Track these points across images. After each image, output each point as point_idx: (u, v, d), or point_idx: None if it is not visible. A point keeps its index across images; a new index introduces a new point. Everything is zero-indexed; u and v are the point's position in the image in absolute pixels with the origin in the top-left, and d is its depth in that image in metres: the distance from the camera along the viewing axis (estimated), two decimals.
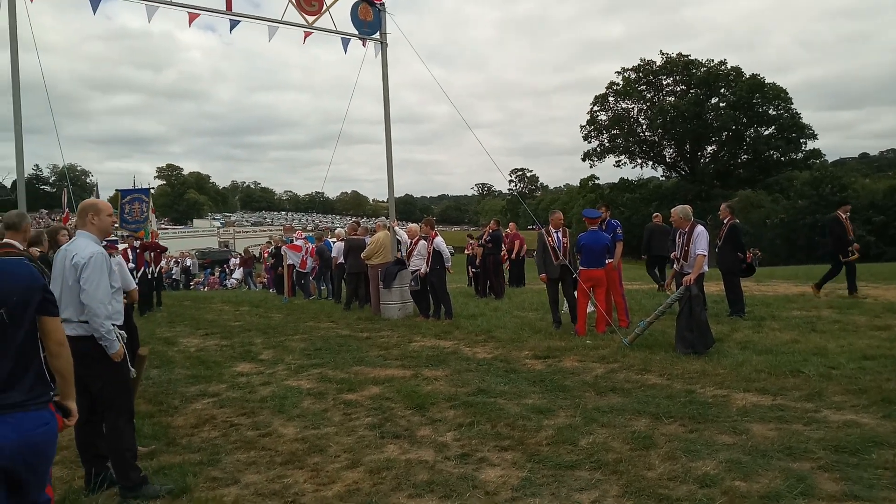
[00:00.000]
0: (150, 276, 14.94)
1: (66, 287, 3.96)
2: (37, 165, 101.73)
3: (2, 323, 2.40)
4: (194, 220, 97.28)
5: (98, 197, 14.65)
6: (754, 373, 6.25)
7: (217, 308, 15.28)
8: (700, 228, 7.93)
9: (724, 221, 10.15)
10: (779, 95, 56.78)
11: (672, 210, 8.45)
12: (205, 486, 4.20)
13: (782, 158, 58.67)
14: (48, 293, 2.54)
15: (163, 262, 20.23)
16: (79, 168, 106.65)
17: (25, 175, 9.71)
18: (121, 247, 14.07)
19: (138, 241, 14.71)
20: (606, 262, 9.14)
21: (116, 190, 16.53)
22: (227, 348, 9.25)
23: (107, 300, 3.97)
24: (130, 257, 13.69)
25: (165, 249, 17.99)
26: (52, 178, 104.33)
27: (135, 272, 13.64)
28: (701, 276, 7.74)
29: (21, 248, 4.86)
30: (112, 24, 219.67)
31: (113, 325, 3.99)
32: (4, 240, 4.92)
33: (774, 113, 57.56)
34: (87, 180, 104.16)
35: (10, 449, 2.36)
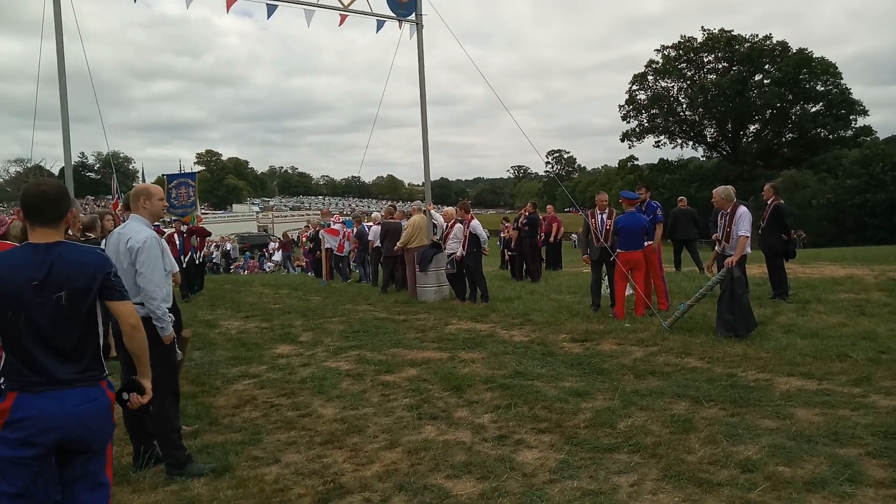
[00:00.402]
0: (196, 261, 15.11)
1: (121, 269, 4.05)
2: (82, 153, 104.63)
3: (61, 306, 2.50)
4: (234, 205, 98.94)
5: (144, 182, 14.90)
6: (799, 357, 6.10)
7: (257, 291, 15.55)
8: (742, 209, 7.75)
9: (768, 202, 9.89)
10: (827, 70, 54.71)
11: (713, 191, 8.27)
12: (246, 464, 4.29)
13: (830, 136, 56.68)
14: (111, 279, 2.62)
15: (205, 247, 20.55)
16: (122, 155, 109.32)
17: (72, 163, 9.99)
18: (166, 231, 14.37)
19: (185, 226, 14.64)
20: (646, 244, 9.01)
21: (162, 175, 16.40)
22: (268, 330, 9.42)
23: (162, 283, 4.08)
24: (177, 242, 13.79)
25: (210, 234, 18.13)
26: (97, 166, 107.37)
27: (182, 256, 13.77)
28: (743, 259, 7.57)
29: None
30: (152, 11, 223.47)
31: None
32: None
33: (822, 89, 55.53)
34: (130, 167, 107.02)
35: (56, 423, 2.46)
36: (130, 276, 4.00)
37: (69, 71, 9.27)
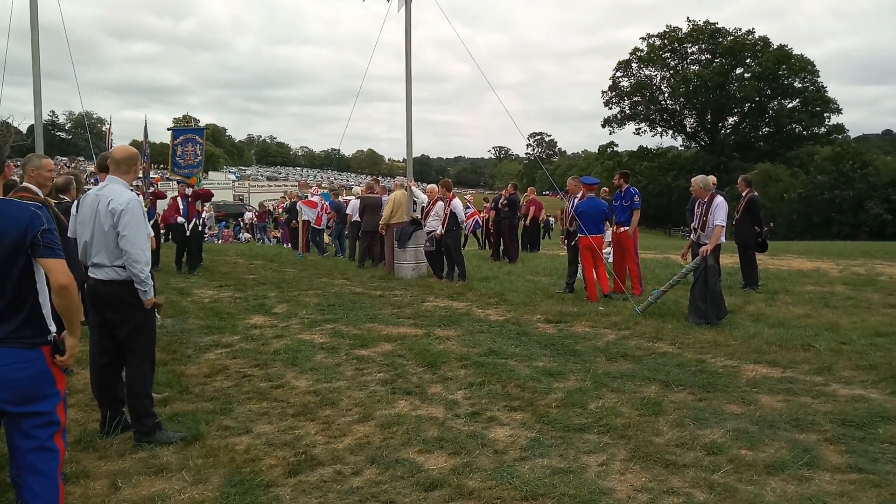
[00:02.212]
0: (200, 229, 13.15)
1: (101, 232, 3.96)
2: (52, 111, 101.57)
3: None
4: (209, 173, 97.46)
5: (112, 144, 14.10)
6: (765, 345, 6.25)
7: (231, 261, 15.40)
8: (719, 199, 7.86)
9: (742, 194, 10.04)
10: (805, 68, 55.50)
11: (692, 179, 8.38)
12: (217, 434, 4.28)
13: (804, 132, 57.67)
14: (46, 236, 2.54)
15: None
16: (94, 116, 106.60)
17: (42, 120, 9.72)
18: (169, 195, 13.63)
19: (190, 189, 12.81)
20: (622, 230, 9.19)
21: (168, 128, 14.39)
22: (241, 301, 9.36)
23: (146, 246, 4.01)
24: (181, 206, 12.45)
25: (213, 196, 16.06)
26: (68, 125, 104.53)
27: (185, 224, 12.43)
28: (718, 248, 7.70)
29: (37, 192, 4.87)
30: None
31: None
32: (23, 184, 4.95)
33: (800, 85, 56.38)
34: (103, 128, 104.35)
35: None
36: (112, 238, 3.93)
37: (42, 24, 8.97)
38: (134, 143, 21.46)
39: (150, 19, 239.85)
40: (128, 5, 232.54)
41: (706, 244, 7.59)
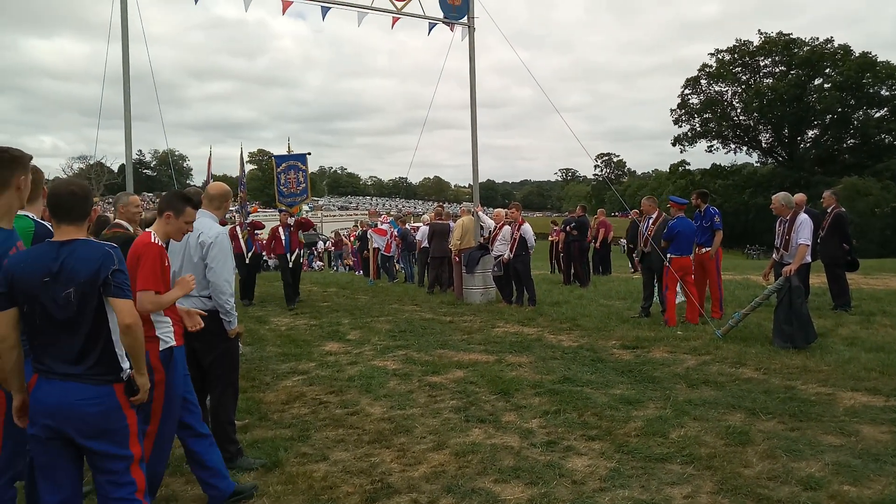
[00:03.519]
0: (301, 260, 12.66)
1: (189, 263, 4.14)
2: (140, 150, 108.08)
3: (70, 302, 2.59)
4: (250, 207, 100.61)
5: (211, 177, 13.61)
6: (863, 371, 5.85)
7: (306, 289, 15.74)
8: (803, 216, 7.50)
9: (828, 210, 9.53)
10: (892, 75, 52.54)
11: (773, 196, 8.03)
12: (295, 461, 4.34)
13: (895, 142, 54.41)
14: (117, 277, 2.65)
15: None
16: (177, 153, 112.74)
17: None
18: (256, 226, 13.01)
19: (292, 218, 12.20)
20: (703, 251, 8.90)
21: (271, 156, 13.64)
22: (316, 328, 9.54)
23: (231, 278, 4.18)
24: (283, 237, 11.79)
25: (313, 225, 15.22)
26: (153, 163, 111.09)
27: (288, 255, 11.82)
28: (803, 268, 7.31)
29: (128, 227, 5.13)
30: (210, 13, 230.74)
31: None
32: (115, 220, 5.23)
33: (888, 94, 53.37)
34: (185, 164, 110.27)
35: (51, 409, 2.59)
36: (200, 270, 4.09)
37: (132, 71, 9.57)
38: (225, 179, 22.11)
39: (227, 60, 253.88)
40: (207, 48, 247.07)
41: (789, 264, 7.22)
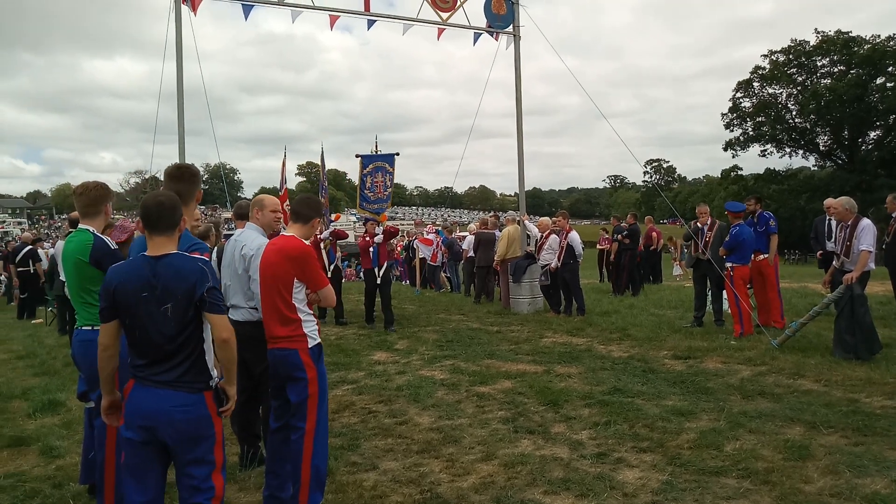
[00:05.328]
0: (391, 275, 11.25)
1: (236, 275, 4.26)
2: (193, 164, 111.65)
3: (167, 317, 2.71)
4: (332, 215, 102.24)
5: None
6: None
7: (354, 299, 15.93)
8: (866, 222, 7.21)
9: (893, 215, 9.13)
10: None
11: (834, 201, 7.77)
12: (345, 470, 4.39)
13: None
14: (213, 294, 2.77)
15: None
16: (228, 166, 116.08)
17: None
18: (351, 234, 12.42)
19: (380, 227, 10.61)
20: (761, 257, 8.66)
21: (357, 155, 11.83)
22: (365, 337, 9.64)
23: None
24: (371, 250, 10.26)
25: (398, 233, 13.67)
26: (206, 177, 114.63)
27: (376, 269, 10.22)
28: (865, 275, 7.03)
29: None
30: (260, 29, 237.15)
31: None
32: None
33: None
34: (236, 177, 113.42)
35: (148, 414, 2.70)
36: (244, 281, 4.20)
37: (185, 88, 9.91)
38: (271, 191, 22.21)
39: (276, 73, 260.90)
40: (257, 63, 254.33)
41: (851, 271, 6.95)
